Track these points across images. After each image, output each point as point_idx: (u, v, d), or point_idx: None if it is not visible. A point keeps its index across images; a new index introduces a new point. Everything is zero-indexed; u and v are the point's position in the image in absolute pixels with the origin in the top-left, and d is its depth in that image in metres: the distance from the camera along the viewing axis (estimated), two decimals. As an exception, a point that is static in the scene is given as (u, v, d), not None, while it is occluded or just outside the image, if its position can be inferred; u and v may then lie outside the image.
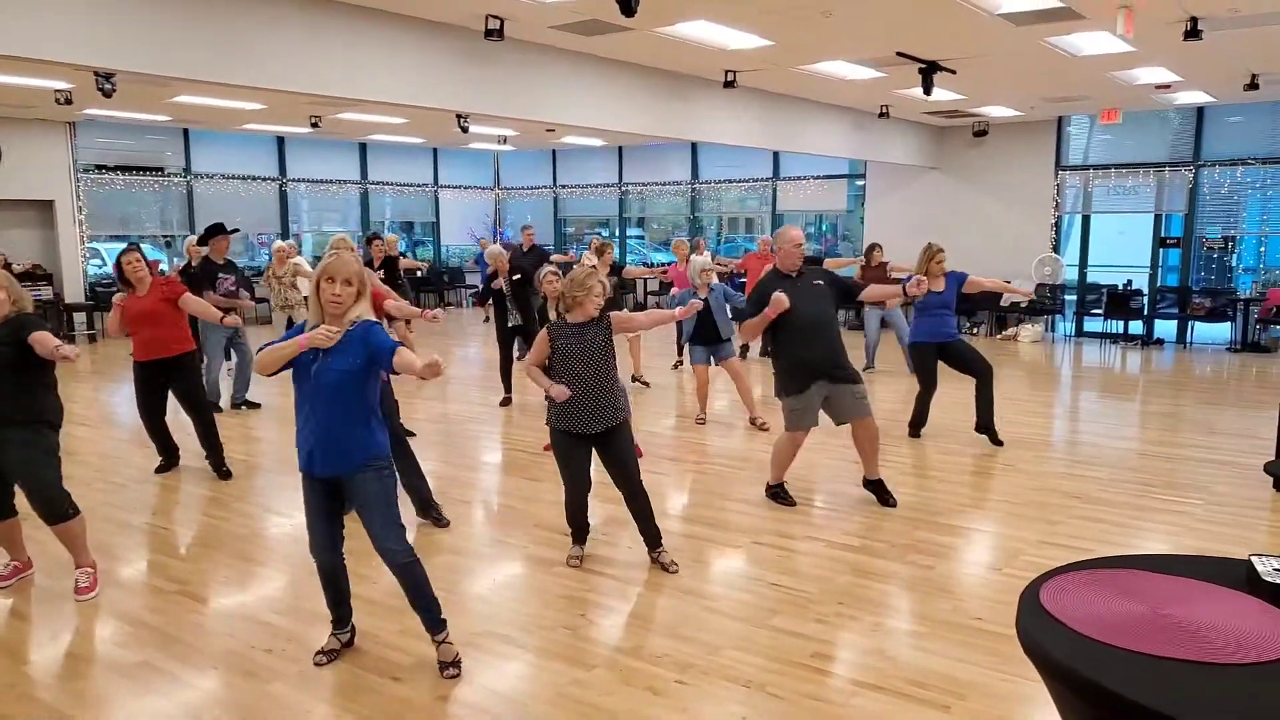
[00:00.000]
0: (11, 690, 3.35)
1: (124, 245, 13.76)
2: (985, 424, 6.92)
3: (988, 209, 14.33)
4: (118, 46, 6.03)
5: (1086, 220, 14.13)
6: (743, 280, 11.43)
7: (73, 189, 13.93)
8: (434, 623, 3.48)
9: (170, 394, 6.17)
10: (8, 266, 9.89)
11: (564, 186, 19.51)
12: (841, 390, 5.26)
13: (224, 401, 8.31)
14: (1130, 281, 13.34)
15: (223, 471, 6.18)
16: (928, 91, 9.33)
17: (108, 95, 7.53)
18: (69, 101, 10.97)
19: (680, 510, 5.51)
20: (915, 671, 3.43)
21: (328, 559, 3.47)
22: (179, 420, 6.28)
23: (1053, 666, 1.75)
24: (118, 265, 6.00)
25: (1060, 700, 1.82)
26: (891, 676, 3.39)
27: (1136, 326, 13.21)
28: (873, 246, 10.68)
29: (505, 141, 16.92)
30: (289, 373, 3.29)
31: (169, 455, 6.35)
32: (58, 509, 4.16)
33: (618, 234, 18.54)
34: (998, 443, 6.89)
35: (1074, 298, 14.13)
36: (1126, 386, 10.11)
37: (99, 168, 14.31)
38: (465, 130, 10.36)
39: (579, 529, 4.60)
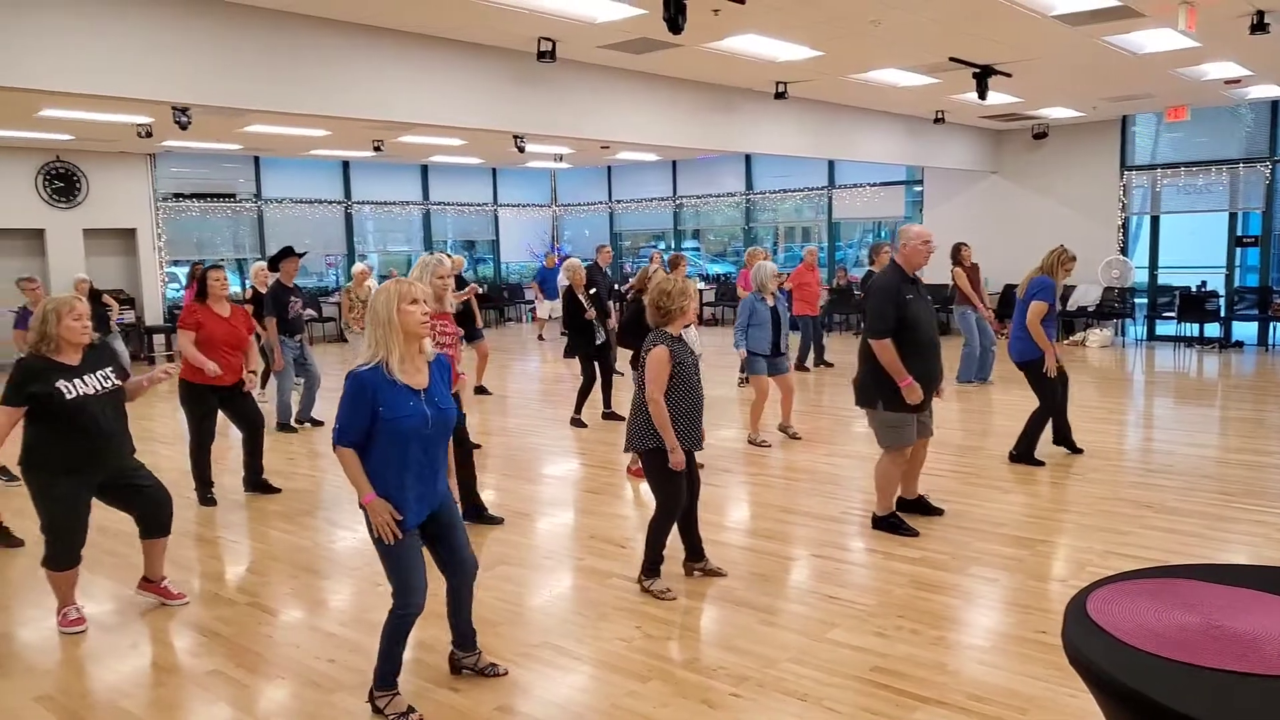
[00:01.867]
0: (87, 698, 3.53)
1: (191, 263, 14.46)
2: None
3: (1051, 212, 13.98)
4: (193, 82, 6.38)
5: (1155, 221, 13.70)
6: (787, 290, 10.69)
7: (153, 217, 14.65)
8: (473, 637, 3.51)
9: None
10: (96, 294, 10.35)
11: (620, 201, 19.68)
12: (927, 412, 5.14)
13: (292, 419, 8.56)
14: (1204, 283, 12.88)
15: (266, 486, 6.25)
16: (983, 96, 9.20)
17: (184, 127, 7.91)
18: (149, 135, 11.54)
19: (735, 523, 5.51)
20: (977, 686, 3.37)
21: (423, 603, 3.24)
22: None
23: (1096, 677, 1.72)
24: (202, 278, 5.95)
25: (1108, 712, 1.79)
26: (953, 691, 3.34)
27: (1213, 329, 12.73)
28: (961, 245, 9.86)
29: (561, 159, 17.16)
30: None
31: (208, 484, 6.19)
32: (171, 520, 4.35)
33: (673, 246, 18.61)
34: (1077, 450, 6.67)
35: (1144, 301, 13.70)
36: (1204, 391, 9.76)
37: (177, 196, 15.00)
38: (522, 150, 10.58)
39: (662, 552, 4.33)
